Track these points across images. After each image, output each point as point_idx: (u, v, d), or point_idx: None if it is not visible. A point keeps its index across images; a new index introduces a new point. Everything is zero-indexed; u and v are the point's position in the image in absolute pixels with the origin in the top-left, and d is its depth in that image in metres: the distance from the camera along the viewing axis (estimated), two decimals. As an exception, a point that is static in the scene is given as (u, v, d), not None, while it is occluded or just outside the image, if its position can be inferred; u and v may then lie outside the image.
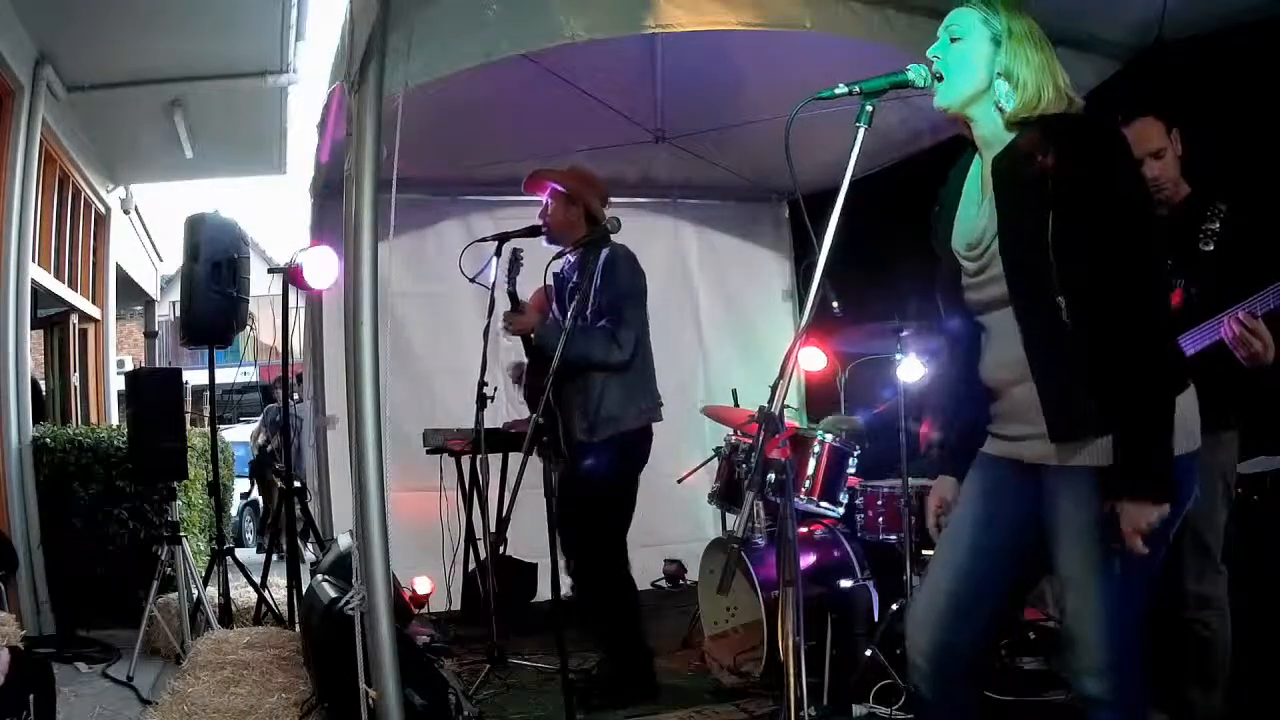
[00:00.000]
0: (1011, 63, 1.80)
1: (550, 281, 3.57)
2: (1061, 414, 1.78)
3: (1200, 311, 2.33)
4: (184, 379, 4.57)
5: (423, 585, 4.51)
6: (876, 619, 3.44)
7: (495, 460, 3.97)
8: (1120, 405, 1.70)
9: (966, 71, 1.84)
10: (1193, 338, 2.32)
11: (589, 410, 3.35)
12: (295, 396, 5.31)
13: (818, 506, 3.63)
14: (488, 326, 3.62)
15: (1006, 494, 1.93)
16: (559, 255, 3.51)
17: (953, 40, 1.87)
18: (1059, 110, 1.81)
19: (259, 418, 9.23)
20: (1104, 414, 1.72)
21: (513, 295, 3.48)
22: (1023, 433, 1.87)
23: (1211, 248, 2.41)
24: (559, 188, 3.49)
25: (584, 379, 3.35)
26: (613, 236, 3.44)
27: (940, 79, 1.86)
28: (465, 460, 4.17)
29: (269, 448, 8.60)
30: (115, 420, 6.88)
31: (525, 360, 3.67)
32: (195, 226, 4.33)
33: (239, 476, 8.53)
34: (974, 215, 1.90)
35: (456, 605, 4.50)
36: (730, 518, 4.38)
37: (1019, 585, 2.10)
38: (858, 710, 3.11)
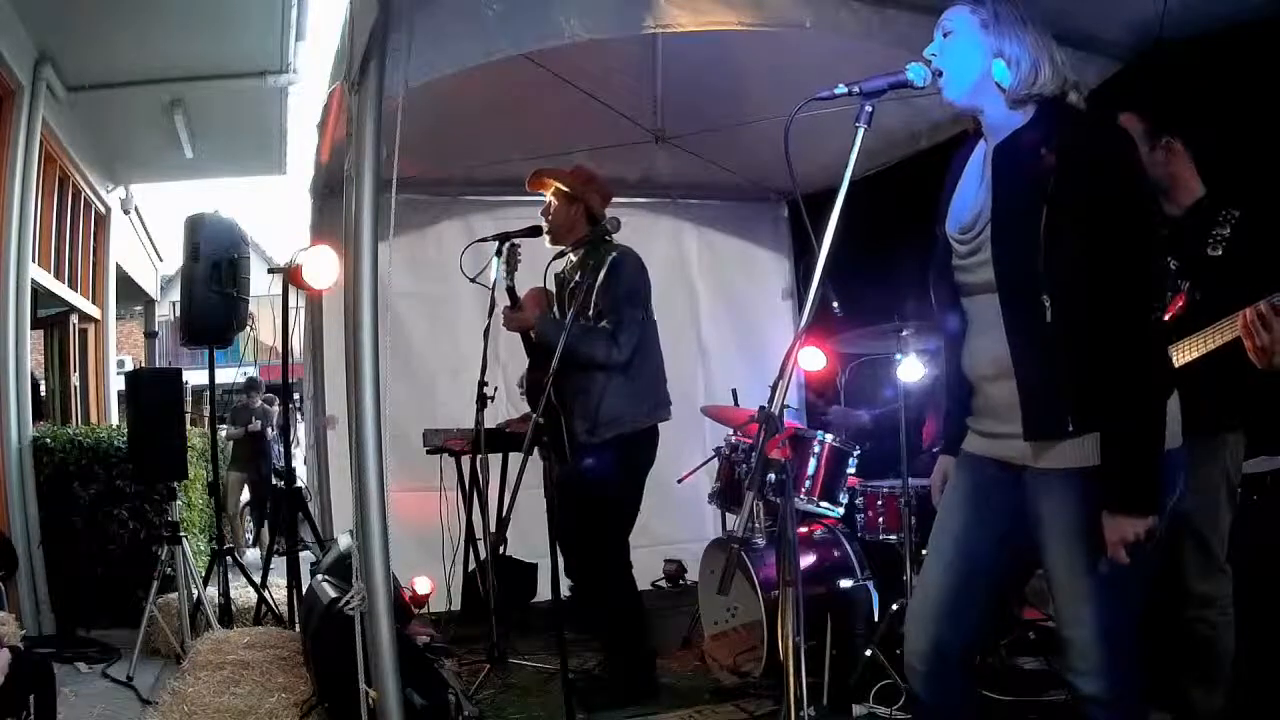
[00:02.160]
0: (1003, 42, 1.81)
1: (552, 282, 3.59)
2: (1037, 412, 1.78)
3: (1202, 316, 2.32)
4: (184, 379, 4.57)
5: (423, 585, 4.51)
6: (876, 619, 3.44)
7: (495, 460, 3.97)
8: (1109, 415, 1.69)
9: (964, 62, 1.84)
10: (1203, 336, 2.30)
11: (589, 411, 3.34)
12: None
13: (818, 506, 3.63)
14: (488, 326, 3.63)
15: (992, 494, 1.93)
16: (559, 255, 3.52)
17: (945, 35, 1.88)
18: (1057, 88, 1.81)
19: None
20: (1086, 416, 1.72)
21: (511, 291, 3.49)
22: (1001, 430, 1.88)
23: (1220, 252, 2.38)
24: (562, 187, 3.50)
25: (585, 379, 3.35)
26: (613, 237, 3.45)
27: (941, 75, 1.86)
28: (465, 460, 4.17)
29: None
30: (115, 420, 6.88)
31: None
32: (195, 226, 4.34)
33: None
34: (971, 198, 1.91)
35: (456, 605, 4.49)
36: (730, 518, 4.38)
37: (1011, 583, 2.11)
38: (858, 710, 3.10)
